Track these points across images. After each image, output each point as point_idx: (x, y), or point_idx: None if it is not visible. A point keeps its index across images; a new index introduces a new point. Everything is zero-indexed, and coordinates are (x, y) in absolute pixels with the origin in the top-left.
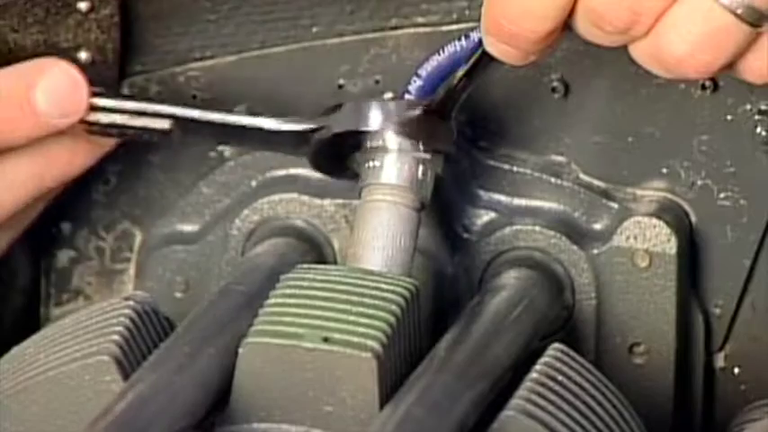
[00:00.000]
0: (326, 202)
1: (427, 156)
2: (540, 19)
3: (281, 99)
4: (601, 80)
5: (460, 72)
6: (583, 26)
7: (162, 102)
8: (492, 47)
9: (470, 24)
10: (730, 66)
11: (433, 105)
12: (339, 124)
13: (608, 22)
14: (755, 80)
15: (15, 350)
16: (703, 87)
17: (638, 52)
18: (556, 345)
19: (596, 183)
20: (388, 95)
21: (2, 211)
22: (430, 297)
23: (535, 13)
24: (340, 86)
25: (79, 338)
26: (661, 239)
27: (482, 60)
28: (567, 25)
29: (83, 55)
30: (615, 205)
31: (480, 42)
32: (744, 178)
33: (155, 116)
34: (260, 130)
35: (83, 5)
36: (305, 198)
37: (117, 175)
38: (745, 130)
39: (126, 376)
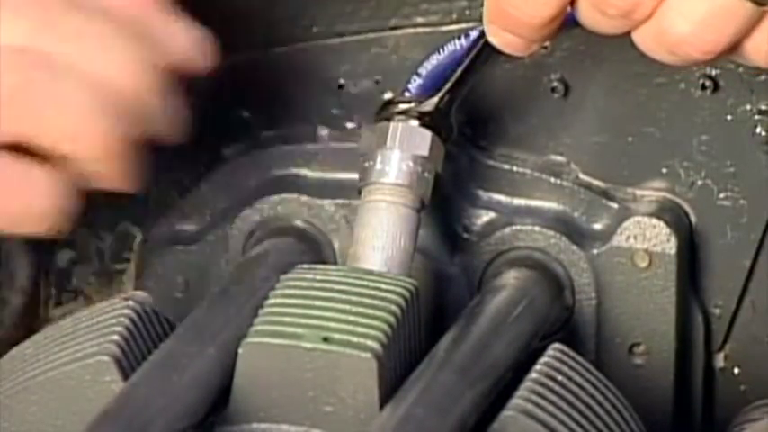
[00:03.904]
0: (326, 202)
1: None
2: (543, 4)
3: (282, 99)
4: (601, 80)
5: (461, 68)
6: (585, 12)
7: None
8: (494, 36)
9: (470, 24)
10: (735, 48)
11: (434, 103)
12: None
13: (610, 5)
14: (762, 62)
15: (15, 350)
16: (703, 87)
17: (641, 37)
18: (556, 345)
19: (596, 183)
20: (388, 95)
21: None
22: (430, 297)
23: None
24: (340, 86)
25: (79, 338)
26: (661, 239)
27: (483, 54)
28: (566, 21)
29: None
30: (615, 205)
31: (481, 36)
32: (744, 178)
33: None
34: None
35: None
36: (305, 198)
37: None
38: (745, 130)
39: (126, 376)
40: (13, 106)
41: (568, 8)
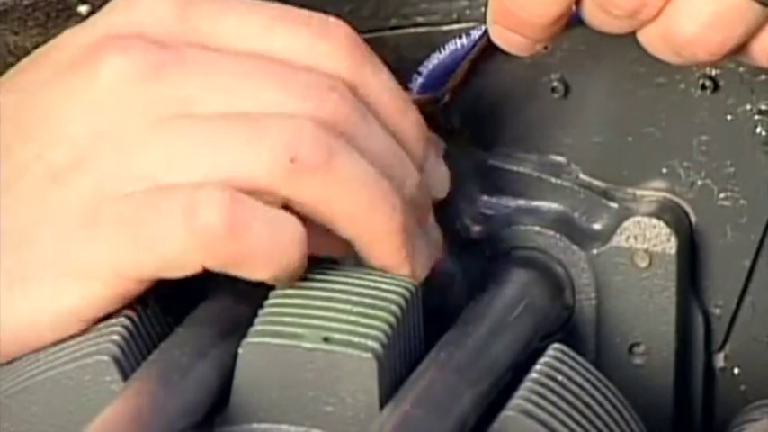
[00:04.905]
0: None
1: None
2: (549, 4)
3: None
4: (601, 80)
5: (462, 67)
6: (590, 11)
7: None
8: (499, 36)
9: (470, 24)
10: (741, 49)
11: (434, 102)
12: None
13: (616, 6)
14: None
15: None
16: (703, 87)
17: (647, 37)
18: (556, 345)
19: (596, 183)
20: None
21: None
22: (430, 297)
23: None
24: None
25: (79, 338)
26: (661, 239)
27: (485, 53)
28: (570, 19)
29: None
30: (615, 205)
31: (483, 35)
32: (744, 178)
33: None
34: None
35: (83, 9)
36: None
37: None
38: (745, 130)
39: (126, 376)
40: (329, 178)
41: (573, 7)
